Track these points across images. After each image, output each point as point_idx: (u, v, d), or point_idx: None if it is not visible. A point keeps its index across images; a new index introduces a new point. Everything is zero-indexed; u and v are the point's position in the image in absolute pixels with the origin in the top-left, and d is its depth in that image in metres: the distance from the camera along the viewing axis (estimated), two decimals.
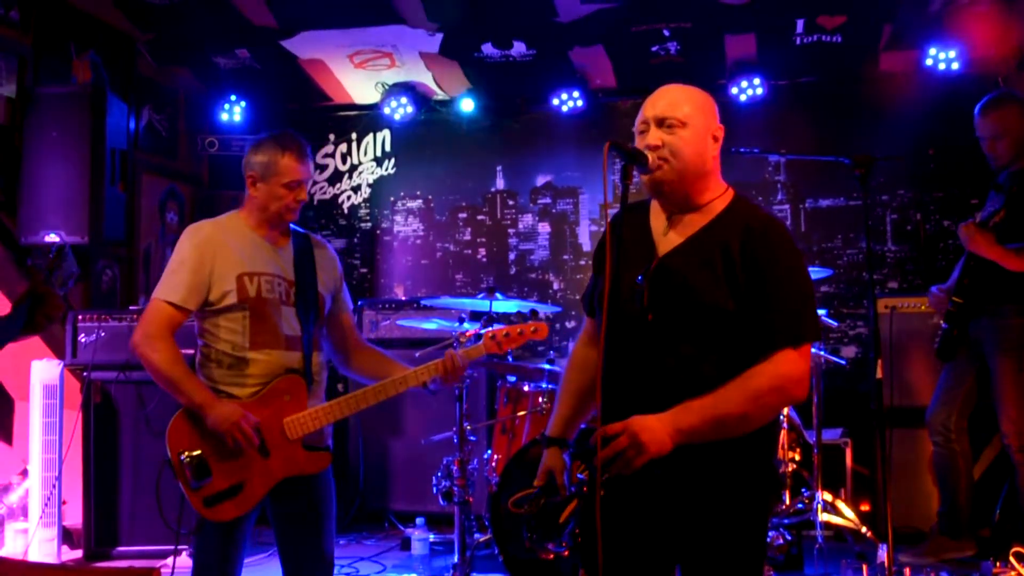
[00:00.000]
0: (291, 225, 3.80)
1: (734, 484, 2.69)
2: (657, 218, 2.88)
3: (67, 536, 5.88)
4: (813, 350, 5.72)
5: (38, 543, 5.58)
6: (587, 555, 2.71)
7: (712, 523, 2.68)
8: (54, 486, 5.67)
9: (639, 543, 2.74)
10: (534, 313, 4.78)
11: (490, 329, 4.07)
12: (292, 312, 3.65)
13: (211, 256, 3.58)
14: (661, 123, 2.76)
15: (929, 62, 6.75)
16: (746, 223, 2.74)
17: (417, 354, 5.22)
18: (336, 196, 8.23)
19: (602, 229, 3.36)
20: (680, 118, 2.75)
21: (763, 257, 2.67)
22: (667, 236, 2.81)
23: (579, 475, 2.84)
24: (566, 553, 2.91)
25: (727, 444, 2.61)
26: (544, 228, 7.92)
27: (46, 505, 5.61)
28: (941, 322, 5.61)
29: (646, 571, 2.76)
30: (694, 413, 2.55)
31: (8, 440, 6.05)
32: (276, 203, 3.65)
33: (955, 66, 6.70)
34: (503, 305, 5.76)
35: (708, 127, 2.82)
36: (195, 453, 3.49)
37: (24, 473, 5.81)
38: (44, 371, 5.70)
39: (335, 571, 5.64)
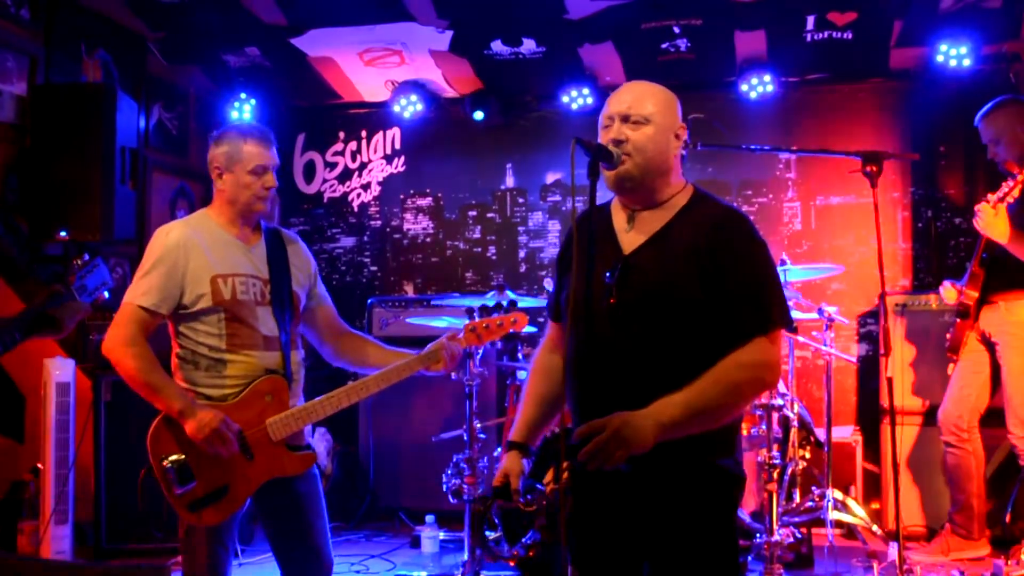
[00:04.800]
0: (262, 222, 3.77)
1: (700, 479, 2.71)
2: (619, 216, 2.91)
3: (79, 533, 5.89)
4: (824, 348, 5.75)
5: (50, 540, 5.59)
6: (574, 552, 2.75)
7: (679, 518, 2.70)
8: (66, 483, 5.68)
9: (609, 541, 2.74)
10: (513, 304, 4.75)
11: (470, 322, 4.03)
12: (268, 312, 3.62)
13: (184, 259, 3.55)
14: (626, 119, 2.80)
15: (940, 59, 6.71)
16: (709, 217, 2.77)
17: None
18: (346, 194, 8.24)
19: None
20: (644, 115, 2.79)
21: (728, 250, 2.70)
22: (630, 234, 2.84)
23: (539, 485, 2.85)
24: (512, 563, 2.92)
25: (694, 440, 2.62)
26: (554, 226, 7.91)
27: (58, 502, 5.62)
28: (953, 318, 5.61)
29: (616, 568, 2.77)
30: (674, 407, 2.57)
31: (19, 438, 6.07)
32: (244, 192, 3.62)
33: (966, 63, 6.67)
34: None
35: (671, 125, 2.85)
36: (177, 458, 3.47)
37: (35, 471, 5.82)
38: (57, 369, 5.70)
39: (347, 568, 5.69)
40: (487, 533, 5.47)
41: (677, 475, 2.67)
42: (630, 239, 2.83)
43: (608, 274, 2.77)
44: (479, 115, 7.64)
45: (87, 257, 3.53)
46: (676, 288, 2.69)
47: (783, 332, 2.77)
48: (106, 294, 3.54)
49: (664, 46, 7.08)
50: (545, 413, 3.06)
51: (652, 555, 2.74)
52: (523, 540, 2.89)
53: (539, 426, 3.06)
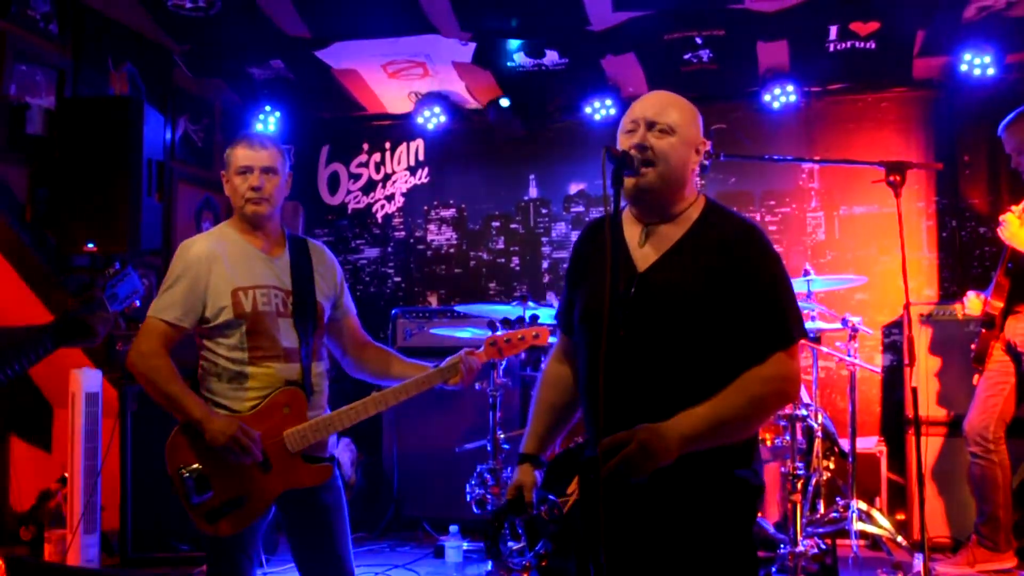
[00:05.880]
0: (286, 231, 3.81)
1: (719, 489, 2.70)
2: (631, 229, 2.87)
3: (105, 542, 5.93)
4: (848, 358, 5.73)
5: (77, 549, 5.64)
6: (583, 561, 2.77)
7: (698, 528, 2.68)
8: (94, 492, 5.73)
9: (627, 550, 2.73)
10: (534, 319, 4.76)
11: (491, 335, 4.04)
12: (290, 323, 3.64)
13: (205, 273, 3.58)
14: (651, 126, 2.77)
15: (964, 68, 6.71)
16: (724, 231, 2.76)
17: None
18: (370, 205, 8.28)
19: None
20: (670, 124, 2.76)
21: (745, 265, 2.69)
22: (644, 249, 2.81)
23: (551, 496, 2.86)
24: (525, 574, 2.93)
25: (713, 450, 2.61)
26: (577, 236, 7.91)
27: (84, 511, 5.66)
28: (978, 328, 5.59)
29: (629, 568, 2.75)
30: (698, 419, 2.56)
31: (47, 448, 6.12)
32: (235, 195, 3.68)
33: (990, 72, 6.65)
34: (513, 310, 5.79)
35: (694, 139, 2.83)
36: (194, 468, 3.49)
37: (63, 480, 5.87)
38: (86, 379, 5.76)
39: None
40: (509, 544, 5.50)
41: (696, 485, 2.66)
42: (644, 253, 2.80)
43: (622, 290, 2.75)
44: (505, 102, 7.62)
45: (118, 266, 3.56)
46: (692, 303, 2.67)
47: (801, 344, 2.77)
48: (137, 303, 3.57)
49: (687, 57, 7.09)
50: (555, 423, 3.08)
51: (671, 564, 2.73)
52: (536, 549, 2.91)
53: (550, 437, 3.07)
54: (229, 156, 3.70)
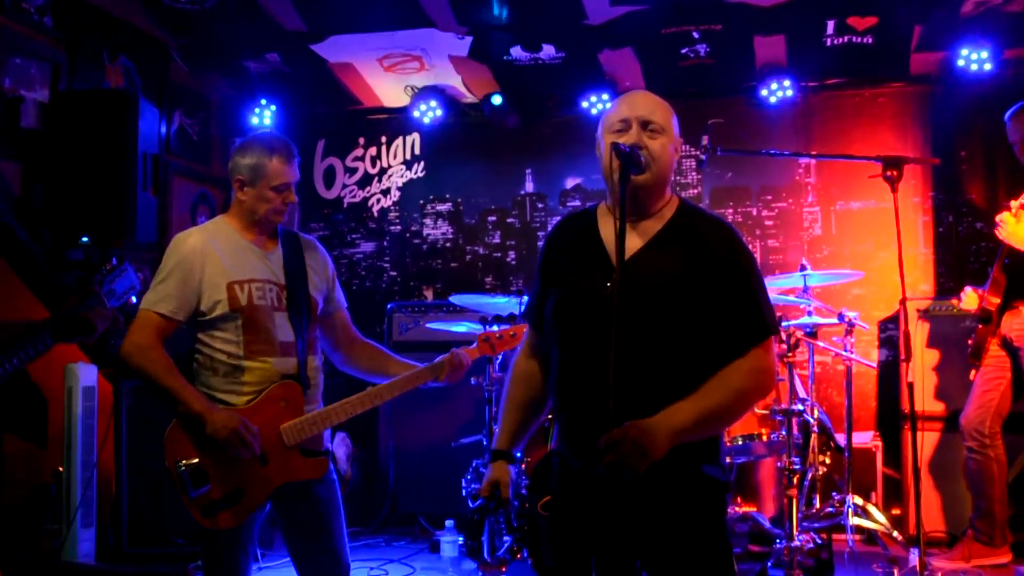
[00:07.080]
0: (278, 227, 3.80)
1: (688, 487, 2.72)
2: (606, 225, 2.89)
3: (101, 537, 5.92)
4: (844, 353, 5.74)
5: (74, 544, 5.62)
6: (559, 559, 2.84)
7: (669, 526, 2.71)
8: (89, 487, 5.71)
9: (598, 542, 2.71)
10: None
11: (484, 331, 4.08)
12: (284, 317, 3.64)
13: (200, 266, 3.57)
14: (645, 126, 2.79)
15: (961, 63, 6.69)
16: (699, 228, 2.81)
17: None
18: (366, 199, 8.26)
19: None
20: (661, 124, 2.81)
21: (722, 262, 2.74)
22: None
23: (523, 489, 2.88)
24: (503, 569, 2.96)
25: (680, 447, 2.61)
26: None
27: (80, 506, 5.65)
28: (974, 323, 5.60)
29: (609, 567, 2.75)
30: (685, 413, 2.59)
31: (42, 443, 6.10)
32: (264, 206, 3.65)
33: (987, 67, 6.64)
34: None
35: (677, 139, 2.88)
36: (192, 461, 3.48)
37: (58, 474, 5.86)
38: (83, 373, 5.74)
39: (366, 572, 5.71)
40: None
41: (665, 483, 2.67)
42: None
43: (599, 285, 2.76)
44: (497, 99, 7.59)
45: (115, 262, 3.55)
46: (670, 296, 2.70)
47: (775, 338, 2.82)
48: (134, 298, 3.57)
49: (684, 51, 7.08)
50: (526, 419, 3.10)
51: (643, 556, 2.73)
52: (507, 544, 2.94)
53: (521, 433, 3.10)
54: (262, 167, 3.63)
